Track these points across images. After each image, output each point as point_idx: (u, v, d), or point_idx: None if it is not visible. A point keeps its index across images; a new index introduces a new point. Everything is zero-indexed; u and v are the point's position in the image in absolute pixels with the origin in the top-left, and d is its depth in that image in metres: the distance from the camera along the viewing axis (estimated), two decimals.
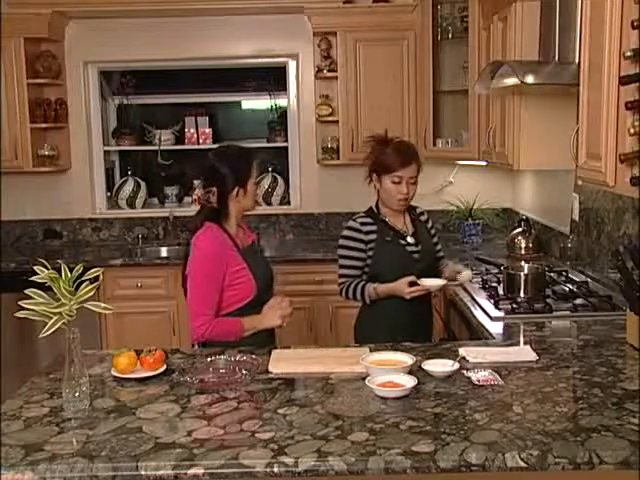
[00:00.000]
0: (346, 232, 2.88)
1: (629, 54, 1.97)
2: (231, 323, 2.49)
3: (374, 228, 2.86)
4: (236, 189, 2.53)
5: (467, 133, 4.33)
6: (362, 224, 2.86)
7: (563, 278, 3.27)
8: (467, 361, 2.14)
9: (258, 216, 4.93)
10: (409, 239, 2.89)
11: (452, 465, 1.55)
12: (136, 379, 2.09)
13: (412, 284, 2.72)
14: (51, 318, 1.83)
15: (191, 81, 5.33)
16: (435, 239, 3.08)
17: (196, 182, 4.94)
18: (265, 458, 1.58)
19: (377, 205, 2.94)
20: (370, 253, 2.84)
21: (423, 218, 3.03)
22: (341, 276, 2.89)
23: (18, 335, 4.16)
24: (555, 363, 2.15)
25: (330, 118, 4.67)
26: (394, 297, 2.77)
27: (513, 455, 1.56)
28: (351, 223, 2.89)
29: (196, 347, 2.51)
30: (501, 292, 3.05)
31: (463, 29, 4.34)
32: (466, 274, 2.90)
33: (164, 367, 2.14)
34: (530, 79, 2.78)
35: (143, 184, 5.09)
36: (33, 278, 1.85)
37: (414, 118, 4.54)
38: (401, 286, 2.73)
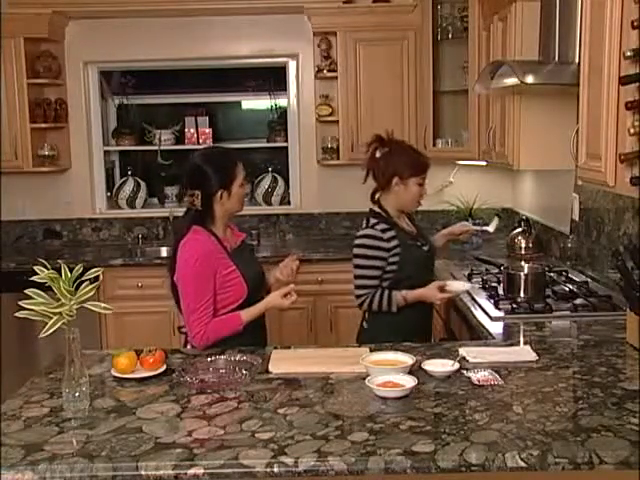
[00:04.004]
0: (367, 241, 2.75)
1: (629, 54, 1.97)
2: (226, 321, 2.46)
3: (393, 234, 2.76)
4: (220, 192, 2.49)
5: (467, 133, 4.33)
6: (382, 231, 2.75)
7: (563, 278, 3.27)
8: (467, 361, 2.14)
9: (258, 216, 4.94)
10: (420, 239, 2.89)
11: (452, 465, 1.55)
12: (136, 379, 2.09)
13: (440, 289, 2.71)
14: (51, 318, 1.83)
15: (191, 81, 5.33)
16: None
17: None
18: (265, 458, 1.58)
19: (382, 208, 2.84)
20: (394, 259, 2.74)
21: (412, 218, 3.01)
22: (360, 287, 2.76)
23: (18, 335, 4.16)
24: (555, 363, 2.15)
25: (330, 118, 4.67)
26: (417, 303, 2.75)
27: (513, 455, 1.56)
28: (370, 232, 2.75)
29: (189, 347, 2.50)
30: (501, 292, 3.05)
31: (463, 29, 4.34)
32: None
33: (164, 367, 2.14)
34: (530, 79, 2.78)
35: (143, 184, 5.09)
36: (33, 278, 1.85)
37: (414, 118, 4.54)
38: (432, 292, 2.70)
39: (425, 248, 2.89)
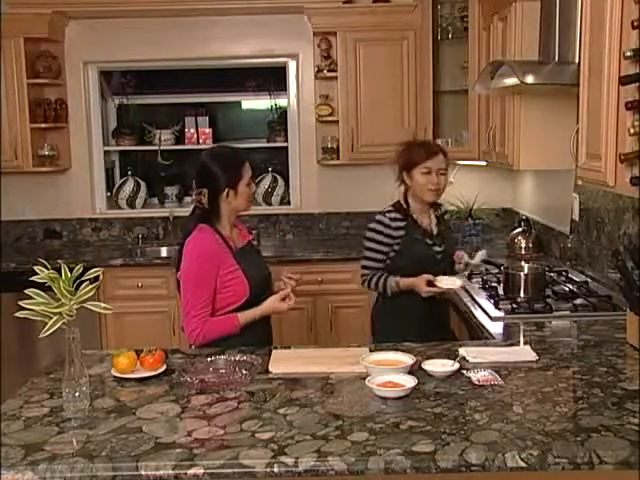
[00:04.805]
0: (375, 225, 2.90)
1: (629, 54, 1.97)
2: (224, 322, 2.48)
3: (403, 224, 2.88)
4: (226, 190, 2.51)
5: (467, 133, 4.33)
6: (392, 219, 2.88)
7: (563, 278, 3.27)
8: (467, 361, 2.14)
9: (258, 216, 4.94)
10: (434, 238, 2.92)
11: (452, 465, 1.55)
12: (136, 379, 2.09)
13: (430, 283, 2.74)
14: (51, 318, 1.83)
15: (191, 81, 5.33)
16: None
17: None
18: (265, 458, 1.58)
19: (406, 201, 2.94)
20: (396, 248, 2.86)
21: (447, 217, 3.06)
22: (364, 267, 2.94)
23: (18, 335, 4.16)
24: (555, 363, 2.15)
25: (330, 118, 4.67)
26: (411, 294, 2.80)
27: (513, 455, 1.56)
28: (381, 217, 2.89)
29: (193, 347, 2.50)
30: (501, 292, 3.05)
31: (463, 29, 4.35)
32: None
33: (164, 367, 2.14)
34: (530, 79, 2.78)
35: (143, 184, 5.09)
36: (33, 278, 1.85)
37: (414, 118, 4.54)
38: (420, 283, 2.76)
39: (436, 249, 2.91)
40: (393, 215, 2.89)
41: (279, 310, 2.54)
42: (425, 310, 2.85)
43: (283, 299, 2.52)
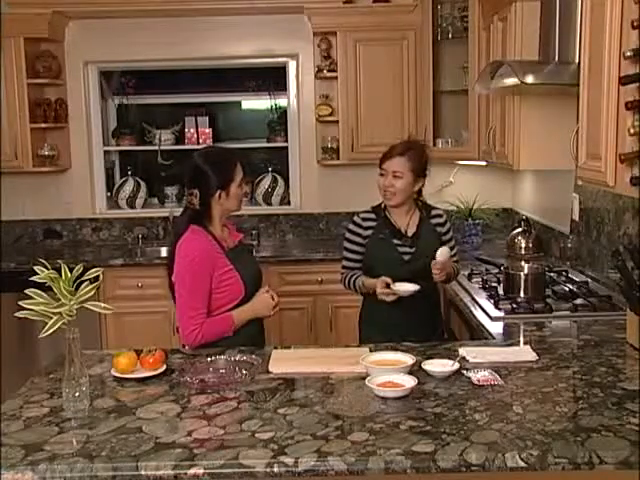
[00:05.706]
0: (350, 226, 2.96)
1: (629, 54, 1.97)
2: (220, 322, 2.48)
3: (374, 224, 2.90)
4: (218, 191, 2.50)
5: (467, 133, 4.33)
6: (364, 219, 2.92)
7: (563, 278, 3.28)
8: (467, 361, 2.14)
9: (258, 216, 4.94)
10: (405, 239, 2.86)
11: (452, 465, 1.55)
12: (136, 379, 2.09)
13: (387, 286, 2.71)
14: (51, 318, 1.83)
15: (191, 81, 5.33)
16: (450, 244, 2.95)
17: None
18: (265, 458, 1.58)
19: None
20: (366, 248, 2.89)
21: (436, 221, 2.95)
22: (342, 267, 2.98)
23: (18, 335, 4.16)
24: (555, 363, 2.15)
25: (330, 118, 4.67)
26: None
27: (513, 455, 1.56)
28: (355, 218, 2.94)
29: (186, 347, 2.49)
30: (501, 292, 3.05)
31: (463, 29, 4.35)
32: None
33: (164, 367, 2.15)
34: (530, 79, 2.78)
35: (143, 184, 5.09)
36: (33, 278, 1.85)
37: (414, 118, 4.54)
38: (376, 285, 2.74)
39: (404, 249, 2.84)
40: (366, 215, 2.93)
41: (266, 300, 2.54)
42: (399, 313, 2.77)
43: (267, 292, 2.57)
